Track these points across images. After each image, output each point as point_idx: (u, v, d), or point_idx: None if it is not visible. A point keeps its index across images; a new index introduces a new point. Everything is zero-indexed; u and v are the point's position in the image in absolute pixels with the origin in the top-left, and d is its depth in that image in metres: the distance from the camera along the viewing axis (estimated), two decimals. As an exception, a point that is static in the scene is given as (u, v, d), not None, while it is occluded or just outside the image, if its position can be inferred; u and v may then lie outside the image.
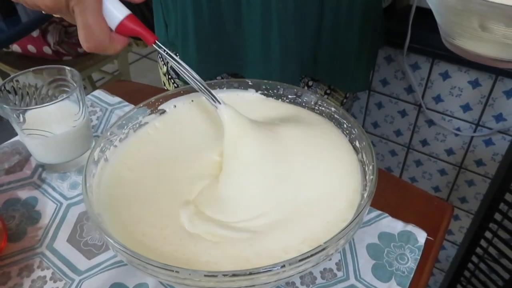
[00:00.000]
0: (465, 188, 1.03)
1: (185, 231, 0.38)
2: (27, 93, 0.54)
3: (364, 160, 0.42)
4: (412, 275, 0.43)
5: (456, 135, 0.95)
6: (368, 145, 0.41)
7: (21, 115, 0.50)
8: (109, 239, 0.33)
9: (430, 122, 0.97)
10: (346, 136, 0.46)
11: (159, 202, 0.40)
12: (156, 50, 0.42)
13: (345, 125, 0.46)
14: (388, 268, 0.44)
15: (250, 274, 0.30)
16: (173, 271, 0.30)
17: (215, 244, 0.36)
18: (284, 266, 0.30)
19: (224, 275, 0.30)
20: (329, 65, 0.67)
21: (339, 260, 0.45)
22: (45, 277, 0.44)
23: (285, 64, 0.65)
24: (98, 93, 0.72)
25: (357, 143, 0.44)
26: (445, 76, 0.89)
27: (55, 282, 0.43)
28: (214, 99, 0.43)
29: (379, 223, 0.49)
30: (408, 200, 0.52)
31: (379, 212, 0.50)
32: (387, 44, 0.92)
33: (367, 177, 0.40)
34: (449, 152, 1.00)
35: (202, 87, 0.43)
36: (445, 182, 1.06)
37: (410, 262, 0.44)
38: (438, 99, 0.93)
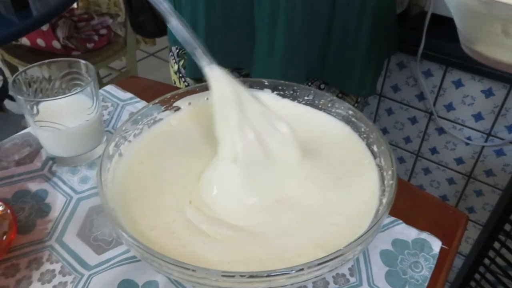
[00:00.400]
0: (473, 198, 1.02)
1: (193, 225, 0.37)
2: (41, 85, 0.54)
3: (382, 165, 0.41)
4: (426, 284, 0.43)
5: (467, 144, 0.95)
6: (387, 150, 0.40)
7: (34, 107, 0.50)
8: (124, 234, 0.32)
9: (441, 130, 0.97)
10: (364, 140, 0.45)
11: (169, 196, 0.40)
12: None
13: (362, 129, 0.45)
14: (402, 275, 0.43)
15: (268, 276, 0.29)
16: (189, 269, 0.30)
17: (224, 243, 0.36)
18: (302, 269, 0.30)
19: (242, 276, 0.29)
20: (337, 68, 0.67)
21: (352, 266, 0.44)
22: (54, 270, 0.43)
23: (288, 63, 0.64)
24: (110, 88, 0.71)
25: (375, 148, 0.43)
26: (458, 84, 0.88)
27: (64, 276, 0.43)
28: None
29: (393, 229, 0.48)
30: (421, 207, 0.52)
31: (392, 218, 0.49)
32: (400, 50, 0.91)
33: (385, 182, 0.39)
34: (459, 161, 0.99)
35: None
36: (453, 192, 1.05)
37: (425, 270, 0.44)
38: (449, 107, 0.92)
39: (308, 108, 0.50)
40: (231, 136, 0.40)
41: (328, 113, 0.48)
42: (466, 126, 0.93)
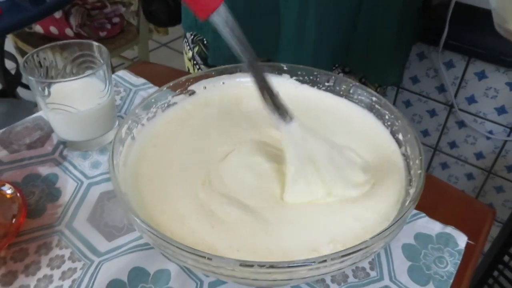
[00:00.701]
0: (493, 194, 0.99)
1: (202, 210, 0.35)
2: (53, 67, 0.53)
3: (409, 154, 0.39)
4: (451, 280, 0.40)
5: (488, 138, 0.91)
6: (414, 138, 0.38)
7: (46, 88, 0.48)
8: (136, 219, 0.30)
9: (461, 124, 0.94)
10: (388, 128, 0.43)
11: (181, 180, 0.38)
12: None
13: (387, 116, 0.43)
14: (425, 271, 0.41)
15: (289, 267, 0.27)
16: (205, 257, 0.28)
17: (232, 229, 0.34)
18: (325, 261, 0.28)
19: (261, 266, 0.27)
20: (363, 55, 0.64)
21: (373, 260, 0.42)
22: (63, 256, 0.42)
23: (319, 50, 0.62)
24: (123, 73, 0.70)
25: (400, 136, 0.41)
26: (481, 76, 0.85)
27: (73, 262, 0.41)
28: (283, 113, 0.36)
29: (415, 223, 0.46)
30: (445, 201, 0.49)
31: (415, 211, 0.47)
32: (421, 40, 0.88)
33: (412, 171, 0.37)
34: (479, 156, 0.96)
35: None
36: (472, 187, 1.02)
37: (450, 266, 0.41)
38: (471, 99, 0.89)
39: (329, 94, 0.47)
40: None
41: (350, 100, 0.46)
42: (488, 120, 0.89)
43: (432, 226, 0.45)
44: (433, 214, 0.47)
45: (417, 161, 0.36)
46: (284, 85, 0.48)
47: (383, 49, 0.65)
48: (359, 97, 0.45)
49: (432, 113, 0.97)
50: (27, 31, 1.72)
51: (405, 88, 0.97)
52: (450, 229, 0.45)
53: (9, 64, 1.67)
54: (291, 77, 0.48)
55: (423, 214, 0.47)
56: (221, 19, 0.32)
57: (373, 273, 0.41)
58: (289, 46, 0.63)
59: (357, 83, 0.45)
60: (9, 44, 1.89)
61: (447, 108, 0.94)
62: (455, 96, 0.91)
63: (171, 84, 0.45)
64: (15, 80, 1.73)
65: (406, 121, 0.40)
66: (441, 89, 0.92)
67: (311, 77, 0.48)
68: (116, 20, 1.72)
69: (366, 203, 0.36)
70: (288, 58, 0.64)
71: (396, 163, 0.39)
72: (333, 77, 0.46)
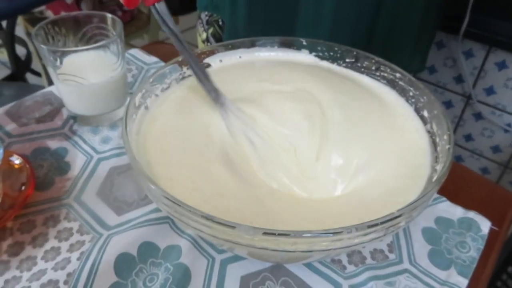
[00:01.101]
0: (509, 189, 0.96)
1: (213, 180, 0.34)
2: (65, 38, 0.51)
3: (435, 130, 0.37)
4: (474, 266, 0.38)
5: (506, 131, 0.89)
6: (441, 113, 0.36)
7: (58, 59, 0.47)
8: (153, 186, 0.29)
9: (478, 116, 0.91)
10: (411, 106, 0.41)
11: (192, 151, 0.36)
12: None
13: (411, 93, 0.41)
14: (446, 255, 0.39)
15: (312, 236, 0.26)
16: (228, 226, 0.26)
17: (242, 199, 0.33)
18: (351, 231, 0.26)
19: (284, 235, 0.26)
20: (385, 41, 0.62)
21: (391, 242, 0.41)
22: (71, 229, 0.41)
23: (335, 32, 0.60)
24: (135, 51, 0.68)
25: (425, 113, 0.39)
26: (502, 66, 0.82)
27: (82, 235, 0.40)
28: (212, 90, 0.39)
29: (436, 207, 0.44)
30: (468, 186, 0.47)
31: (435, 195, 0.45)
32: (440, 28, 0.85)
33: (438, 148, 0.35)
34: (495, 149, 0.93)
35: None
36: (486, 182, 0.99)
37: (473, 251, 0.40)
38: (490, 91, 0.86)
39: (349, 71, 0.46)
40: None
41: (372, 77, 0.44)
42: (507, 112, 0.87)
43: (453, 211, 0.44)
44: (454, 199, 0.45)
45: (445, 137, 0.34)
46: (303, 61, 0.46)
47: (406, 35, 0.62)
48: (382, 73, 0.43)
49: (448, 104, 0.94)
50: (38, 17, 1.71)
51: (422, 78, 0.94)
52: (472, 214, 0.43)
53: (19, 50, 1.67)
54: (310, 53, 0.47)
55: (444, 198, 0.45)
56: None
57: (391, 256, 0.40)
58: (306, 26, 0.61)
59: (380, 59, 0.43)
60: (20, 30, 1.89)
61: (464, 99, 0.92)
62: (473, 87, 0.88)
63: (186, 55, 0.43)
64: (24, 66, 1.73)
65: (433, 97, 0.38)
66: (459, 79, 0.90)
67: (331, 53, 0.46)
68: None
69: (386, 181, 0.35)
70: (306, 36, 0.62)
71: (421, 141, 0.37)
72: (354, 52, 0.44)
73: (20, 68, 1.67)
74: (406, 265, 0.39)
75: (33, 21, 1.71)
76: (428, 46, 0.69)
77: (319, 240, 0.26)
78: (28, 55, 1.74)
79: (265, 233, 0.25)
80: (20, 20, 1.68)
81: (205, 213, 0.27)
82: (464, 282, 0.37)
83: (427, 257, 0.39)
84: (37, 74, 1.83)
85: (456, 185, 0.47)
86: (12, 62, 1.65)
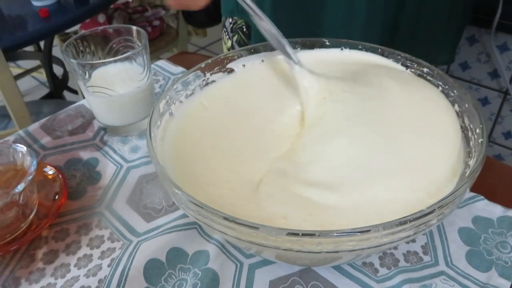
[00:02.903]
0: (554, 189, 0.91)
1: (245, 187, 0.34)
2: (93, 52, 0.53)
3: (467, 124, 0.35)
4: (517, 267, 0.36)
5: (548, 127, 0.84)
6: (473, 107, 0.34)
7: (87, 72, 0.49)
8: (175, 189, 0.29)
9: (517, 112, 0.87)
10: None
11: (222, 159, 0.37)
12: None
13: (440, 88, 0.39)
14: (486, 256, 0.37)
15: (337, 236, 0.25)
16: (251, 227, 0.26)
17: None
18: (378, 230, 0.25)
19: (308, 235, 0.25)
20: (411, 33, 0.61)
21: (426, 243, 0.39)
22: (103, 236, 0.42)
23: (368, 25, 0.59)
24: (162, 63, 0.70)
25: (456, 107, 0.37)
26: (540, 58, 0.78)
27: (112, 242, 0.41)
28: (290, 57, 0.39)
29: (473, 206, 0.42)
30: (507, 184, 0.45)
31: (472, 194, 0.43)
32: (471, 23, 0.82)
33: (471, 143, 0.34)
34: (538, 146, 0.88)
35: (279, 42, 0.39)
36: (530, 182, 0.94)
37: (515, 251, 0.37)
38: (528, 85, 0.83)
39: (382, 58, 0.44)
40: None
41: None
42: (548, 106, 0.83)
43: (492, 210, 0.41)
44: (492, 197, 0.43)
45: (478, 130, 0.33)
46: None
47: (433, 26, 0.61)
48: (409, 69, 0.42)
49: (485, 101, 0.90)
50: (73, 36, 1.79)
51: (454, 75, 0.91)
52: (513, 213, 0.41)
53: (57, 70, 1.75)
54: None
55: (482, 197, 0.43)
56: None
57: (426, 258, 0.38)
58: (336, 25, 0.60)
59: (407, 55, 0.42)
60: (57, 50, 1.98)
61: (501, 95, 0.88)
62: (510, 81, 0.84)
63: (209, 61, 0.44)
64: (62, 84, 1.80)
65: (463, 90, 0.36)
66: (494, 74, 0.86)
67: (355, 51, 0.45)
68: (156, 23, 1.75)
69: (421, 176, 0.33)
70: (336, 34, 0.62)
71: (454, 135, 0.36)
72: (379, 49, 0.43)
73: (58, 87, 1.75)
74: (442, 267, 0.37)
75: (68, 40, 1.78)
76: (456, 37, 0.66)
77: (345, 240, 0.25)
78: (65, 74, 1.82)
79: (289, 234, 0.25)
80: (56, 41, 1.76)
81: (228, 215, 0.27)
82: (507, 284, 0.35)
83: (465, 259, 0.37)
84: (74, 91, 1.91)
85: (494, 183, 0.45)
86: (50, 81, 1.72)
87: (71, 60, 0.48)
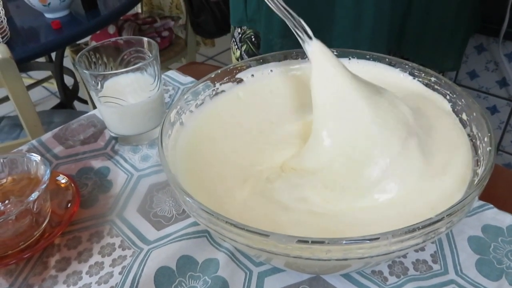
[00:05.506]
0: None
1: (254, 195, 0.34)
2: (105, 63, 0.54)
3: (474, 133, 0.35)
4: (528, 276, 0.36)
5: (559, 135, 0.84)
6: (481, 115, 0.35)
7: (99, 82, 0.50)
8: (186, 197, 0.30)
9: (526, 121, 0.87)
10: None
11: (234, 168, 0.37)
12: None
13: (448, 97, 0.40)
14: (496, 265, 0.37)
15: (346, 243, 0.25)
16: (262, 234, 0.26)
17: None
18: (387, 238, 0.25)
19: (317, 242, 0.25)
20: (418, 39, 0.61)
21: (435, 252, 0.39)
22: (114, 244, 0.42)
23: (376, 33, 0.59)
24: (171, 73, 0.71)
25: (463, 116, 0.38)
26: (549, 66, 0.78)
27: (123, 250, 0.41)
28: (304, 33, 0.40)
29: (482, 214, 0.42)
30: (516, 192, 0.45)
31: (481, 202, 0.43)
32: (479, 31, 0.83)
33: (479, 151, 0.34)
34: (548, 155, 0.88)
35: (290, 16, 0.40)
36: (541, 191, 0.93)
37: (525, 260, 0.37)
38: (538, 93, 0.82)
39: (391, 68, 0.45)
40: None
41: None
42: (559, 115, 0.82)
43: (502, 218, 0.41)
44: (502, 206, 0.43)
45: (486, 139, 0.33)
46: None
47: (439, 32, 0.61)
48: (416, 78, 0.42)
49: (493, 109, 0.90)
50: (84, 47, 1.82)
51: (462, 84, 0.91)
52: (523, 221, 0.40)
53: (67, 80, 1.78)
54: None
55: (491, 205, 0.42)
56: None
57: (436, 266, 0.38)
58: (345, 32, 0.61)
59: (414, 64, 0.42)
60: (67, 61, 2.01)
61: (510, 103, 0.87)
62: (519, 90, 0.84)
63: (219, 71, 0.45)
64: (72, 94, 1.83)
65: (470, 99, 0.36)
66: (503, 83, 0.86)
67: (363, 60, 0.45)
68: (165, 33, 1.78)
69: (424, 186, 0.33)
70: (344, 42, 0.62)
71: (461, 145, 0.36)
72: (387, 59, 0.44)
73: (69, 97, 1.77)
74: (452, 275, 0.37)
75: (79, 51, 1.82)
76: (463, 44, 0.67)
77: (355, 247, 0.26)
78: (76, 85, 1.85)
79: (299, 241, 0.25)
80: (67, 52, 1.79)
81: (238, 223, 0.27)
82: (518, 293, 0.35)
83: (475, 267, 0.37)
84: (84, 101, 1.93)
85: (504, 192, 0.45)
86: (61, 92, 1.75)
87: (84, 71, 0.49)
